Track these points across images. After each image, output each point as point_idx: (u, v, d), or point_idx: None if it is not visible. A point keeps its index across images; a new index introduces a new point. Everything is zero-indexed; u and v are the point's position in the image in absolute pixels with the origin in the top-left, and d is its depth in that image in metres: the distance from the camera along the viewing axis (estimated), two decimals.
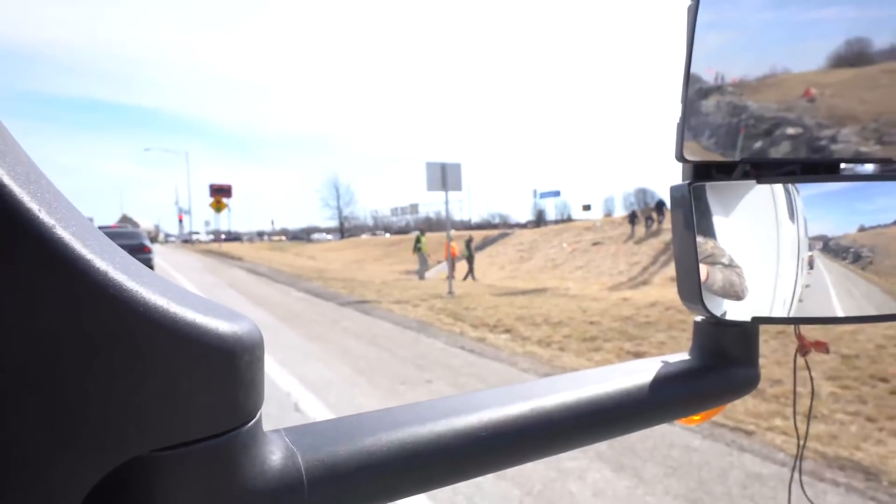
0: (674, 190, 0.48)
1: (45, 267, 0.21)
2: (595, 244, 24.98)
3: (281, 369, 5.05)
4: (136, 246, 17.14)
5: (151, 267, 18.37)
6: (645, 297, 8.83)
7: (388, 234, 74.47)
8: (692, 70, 0.43)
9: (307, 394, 4.31)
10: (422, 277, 15.42)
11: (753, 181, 0.46)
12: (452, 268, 15.80)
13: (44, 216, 0.21)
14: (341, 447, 0.30)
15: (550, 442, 0.38)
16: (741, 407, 3.71)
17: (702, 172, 0.47)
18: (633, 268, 19.23)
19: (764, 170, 0.47)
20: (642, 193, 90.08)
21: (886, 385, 4.00)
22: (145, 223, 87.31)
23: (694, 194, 0.46)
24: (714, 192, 0.46)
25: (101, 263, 0.22)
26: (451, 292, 10.50)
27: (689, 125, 0.45)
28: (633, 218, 26.96)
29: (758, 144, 0.47)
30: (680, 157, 0.46)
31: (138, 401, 0.22)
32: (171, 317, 0.23)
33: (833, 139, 0.46)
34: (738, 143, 0.46)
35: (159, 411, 0.23)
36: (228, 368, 0.25)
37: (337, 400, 4.18)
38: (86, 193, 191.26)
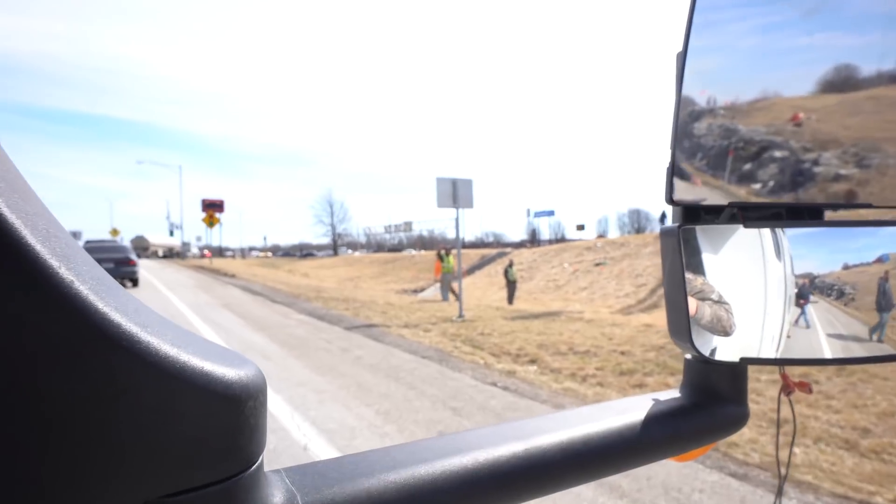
0: (664, 232, 0.50)
1: (61, 323, 0.21)
2: (597, 264, 24.50)
3: (293, 413, 4.36)
4: (122, 259, 17.04)
5: (136, 279, 18.17)
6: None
7: (355, 252, 74.07)
8: (683, 92, 0.44)
9: (328, 448, 3.64)
10: (445, 299, 14.83)
11: (740, 225, 0.47)
12: (454, 287, 15.22)
13: (63, 272, 0.22)
14: (340, 488, 0.31)
15: (544, 482, 0.39)
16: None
17: (691, 214, 0.49)
18: (640, 290, 18.73)
19: (751, 212, 0.48)
20: (636, 214, 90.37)
21: None
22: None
23: (683, 237, 0.47)
24: (703, 234, 0.48)
25: (116, 316, 0.23)
26: (461, 316, 9.90)
27: (678, 162, 0.46)
28: (662, 219, 28.19)
29: (746, 167, 0.48)
30: (669, 199, 0.47)
31: (148, 448, 0.23)
32: (182, 366, 0.24)
33: (816, 162, 0.48)
34: (727, 164, 0.48)
35: (169, 458, 0.24)
36: (234, 415, 0.25)
37: None
38: (74, 206, 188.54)
